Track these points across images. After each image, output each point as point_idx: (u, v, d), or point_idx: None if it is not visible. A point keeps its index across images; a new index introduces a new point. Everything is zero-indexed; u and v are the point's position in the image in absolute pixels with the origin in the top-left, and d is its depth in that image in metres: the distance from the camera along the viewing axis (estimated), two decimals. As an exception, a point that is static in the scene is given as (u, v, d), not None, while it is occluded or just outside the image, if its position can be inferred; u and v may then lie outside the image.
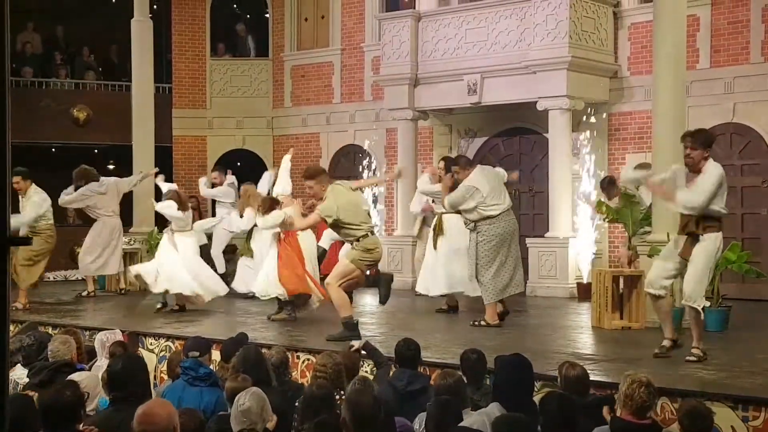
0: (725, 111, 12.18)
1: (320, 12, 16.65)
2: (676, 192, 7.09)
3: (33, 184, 11.22)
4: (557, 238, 12.27)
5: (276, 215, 9.48)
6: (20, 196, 11.14)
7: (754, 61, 12.01)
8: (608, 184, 10.61)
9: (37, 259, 11.19)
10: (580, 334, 8.79)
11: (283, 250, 9.64)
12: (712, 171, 6.98)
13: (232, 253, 13.98)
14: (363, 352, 6.45)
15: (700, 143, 7.06)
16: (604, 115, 13.07)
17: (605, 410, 4.90)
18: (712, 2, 12.27)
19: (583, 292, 11.37)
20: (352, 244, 8.28)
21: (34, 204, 11.09)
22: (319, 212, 8.12)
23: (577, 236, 12.39)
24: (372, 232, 8.29)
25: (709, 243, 6.93)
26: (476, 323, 9.05)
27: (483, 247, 9.08)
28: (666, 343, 7.20)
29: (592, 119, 12.95)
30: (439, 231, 10.13)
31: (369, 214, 8.61)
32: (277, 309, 9.81)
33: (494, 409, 4.55)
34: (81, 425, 4.32)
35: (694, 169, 7.05)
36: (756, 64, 11.97)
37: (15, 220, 10.95)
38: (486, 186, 9.11)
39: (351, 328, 8.07)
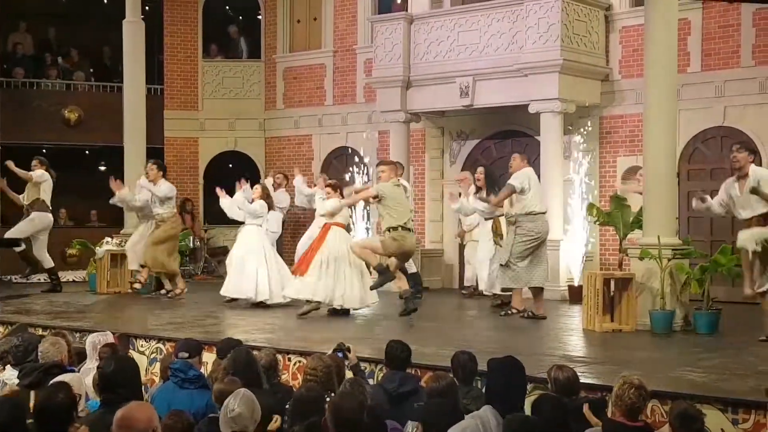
0: (716, 114, 12.22)
1: (312, 14, 16.65)
2: None
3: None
4: (548, 240, 12.27)
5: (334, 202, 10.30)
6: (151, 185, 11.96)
7: (744, 64, 12.06)
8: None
9: (167, 245, 11.88)
10: (571, 336, 8.80)
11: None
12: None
13: (223, 255, 14.00)
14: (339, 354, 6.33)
15: (745, 147, 8.31)
16: (596, 118, 13.11)
17: (585, 407, 4.90)
18: (703, 6, 12.32)
19: (575, 294, 11.40)
20: (384, 233, 9.61)
21: (164, 190, 11.92)
22: (376, 188, 9.69)
23: (568, 239, 12.40)
24: (405, 229, 9.52)
25: None
26: (506, 313, 9.92)
27: (520, 239, 9.81)
28: None
29: (584, 122, 12.98)
30: (498, 232, 10.80)
31: (411, 217, 9.89)
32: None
33: (487, 413, 4.53)
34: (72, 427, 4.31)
35: (741, 173, 8.19)
36: (747, 68, 12.02)
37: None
38: (535, 182, 10.07)
39: (382, 271, 9.50)
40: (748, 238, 8.17)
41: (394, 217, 9.51)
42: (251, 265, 10.92)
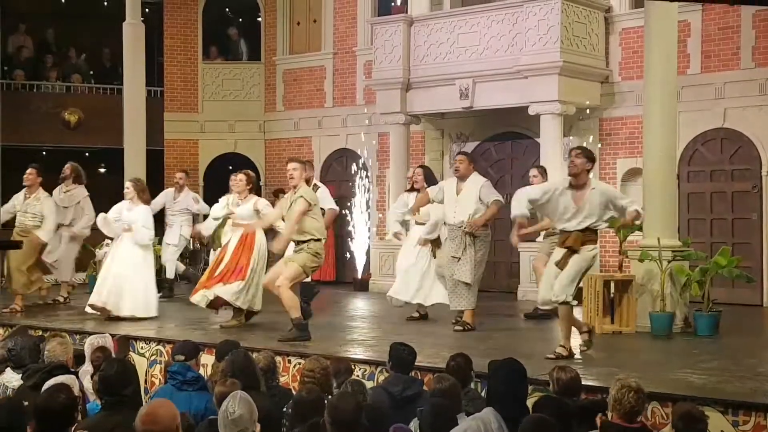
0: (716, 116, 12.22)
1: (312, 16, 16.66)
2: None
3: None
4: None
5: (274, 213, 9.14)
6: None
7: (744, 66, 12.06)
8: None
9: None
10: (571, 338, 8.77)
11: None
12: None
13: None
14: None
15: (585, 154, 7.63)
16: (596, 120, 13.10)
17: (598, 418, 4.90)
18: (702, 8, 12.31)
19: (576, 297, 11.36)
20: (300, 244, 8.40)
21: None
22: (305, 197, 8.31)
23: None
24: (320, 240, 8.47)
25: (586, 253, 7.51)
26: (461, 329, 9.08)
27: (480, 248, 9.15)
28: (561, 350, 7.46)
29: (584, 124, 12.98)
30: (436, 243, 10.02)
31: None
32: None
33: (489, 414, 4.52)
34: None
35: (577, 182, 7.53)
36: (746, 70, 12.02)
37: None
38: None
39: (302, 328, 8.31)
40: (545, 290, 7.52)
41: (318, 229, 8.42)
42: (132, 281, 10.04)
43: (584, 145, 12.71)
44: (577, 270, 7.46)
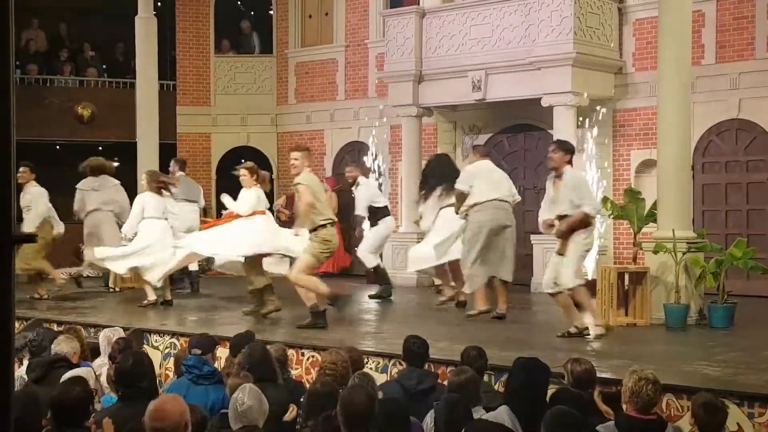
0: (730, 107, 12.14)
1: (324, 9, 16.65)
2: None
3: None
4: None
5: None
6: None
7: (759, 56, 11.97)
8: None
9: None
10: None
11: None
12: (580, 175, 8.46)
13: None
14: None
15: (560, 147, 8.17)
16: (609, 111, 13.04)
17: (598, 398, 4.87)
18: (717, -2, 12.24)
19: (588, 288, 11.32)
20: (310, 233, 8.55)
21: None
22: (302, 182, 8.41)
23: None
24: (331, 224, 8.60)
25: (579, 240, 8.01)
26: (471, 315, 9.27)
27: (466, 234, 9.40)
28: (572, 329, 8.05)
29: (597, 116, 12.92)
30: None
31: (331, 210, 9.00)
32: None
33: (503, 413, 4.49)
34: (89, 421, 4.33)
35: (557, 173, 8.08)
36: (761, 60, 11.93)
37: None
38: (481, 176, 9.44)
39: (318, 314, 8.53)
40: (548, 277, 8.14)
41: (321, 212, 8.42)
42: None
43: (595, 136, 12.72)
44: (575, 258, 7.99)
